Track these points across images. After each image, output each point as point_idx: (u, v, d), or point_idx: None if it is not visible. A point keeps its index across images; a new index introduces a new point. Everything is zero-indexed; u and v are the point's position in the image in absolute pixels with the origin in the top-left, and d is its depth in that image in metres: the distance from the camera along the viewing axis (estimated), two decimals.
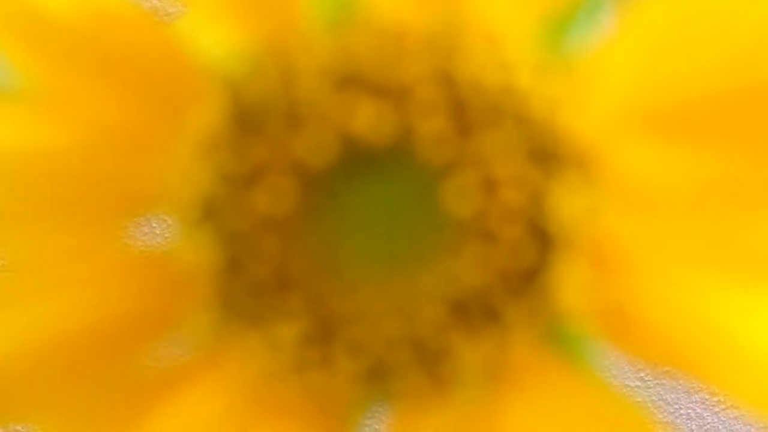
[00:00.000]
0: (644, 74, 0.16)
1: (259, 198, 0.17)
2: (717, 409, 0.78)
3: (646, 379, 0.68)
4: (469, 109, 0.16)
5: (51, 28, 0.16)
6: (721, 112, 0.16)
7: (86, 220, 0.17)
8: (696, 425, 0.81)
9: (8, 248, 0.17)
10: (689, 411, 0.79)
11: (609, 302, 0.16)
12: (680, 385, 0.72)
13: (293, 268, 0.17)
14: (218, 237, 0.17)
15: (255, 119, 0.16)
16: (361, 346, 0.17)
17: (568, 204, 0.16)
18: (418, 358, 0.17)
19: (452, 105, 0.16)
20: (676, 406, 0.77)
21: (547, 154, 0.16)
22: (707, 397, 0.78)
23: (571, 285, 0.16)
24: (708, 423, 0.78)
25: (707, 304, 0.16)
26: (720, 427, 0.79)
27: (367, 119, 0.16)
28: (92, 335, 0.17)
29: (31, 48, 0.16)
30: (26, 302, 0.17)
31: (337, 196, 0.17)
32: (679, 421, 0.79)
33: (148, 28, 0.16)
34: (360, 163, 0.17)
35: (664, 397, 0.74)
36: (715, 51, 0.16)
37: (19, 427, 0.17)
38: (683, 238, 0.16)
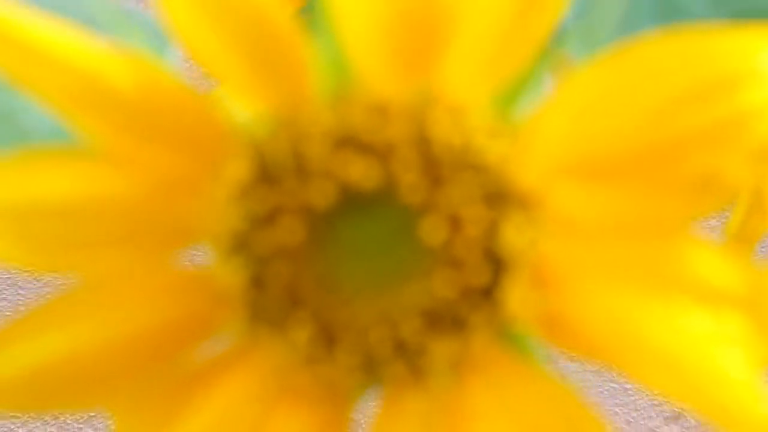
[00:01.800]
0: (570, 135, 0.16)
1: (276, 233, 0.17)
2: None
3: None
4: (439, 164, 0.17)
5: (113, 101, 0.16)
6: (628, 163, 0.16)
7: (142, 250, 0.17)
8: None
9: (82, 271, 0.18)
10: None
11: (546, 310, 0.17)
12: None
13: (303, 286, 0.17)
14: (245, 262, 0.17)
15: (273, 172, 0.17)
16: (356, 346, 0.17)
17: (515, 236, 0.17)
18: (400, 354, 0.17)
19: (425, 160, 0.17)
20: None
21: (498, 197, 0.17)
22: None
23: (518, 297, 0.17)
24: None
25: (622, 311, 0.16)
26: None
27: (359, 172, 0.17)
28: (150, 338, 0.17)
29: (97, 117, 0.16)
30: (97, 312, 0.17)
31: (336, 231, 0.17)
32: None
33: (191, 100, 0.17)
34: (354, 205, 0.17)
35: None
36: (623, 118, 0.16)
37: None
38: (604, 260, 0.17)
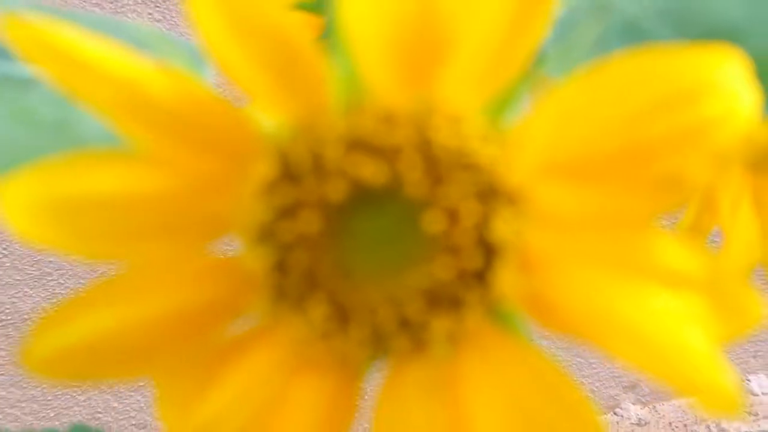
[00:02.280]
0: (552, 141, 0.16)
1: (297, 224, 0.17)
2: None
3: None
4: (438, 164, 0.16)
5: (155, 110, 0.16)
6: (602, 165, 0.16)
7: (180, 240, 0.17)
8: None
9: (128, 259, 0.17)
10: None
11: (531, 291, 0.17)
12: None
13: (320, 271, 0.17)
14: (269, 250, 0.17)
15: (294, 171, 0.17)
16: (366, 322, 0.17)
17: (504, 227, 0.16)
18: (404, 329, 0.17)
19: (427, 162, 0.16)
20: None
21: (490, 193, 0.17)
22: None
23: (506, 280, 0.17)
24: None
25: (597, 292, 0.16)
26: None
27: (369, 171, 0.16)
28: (187, 317, 0.17)
29: (141, 123, 0.16)
30: (142, 294, 0.17)
31: (349, 222, 0.17)
32: None
33: (223, 109, 0.17)
34: (365, 200, 0.17)
35: None
36: (598, 126, 0.16)
37: None
38: (582, 248, 0.17)
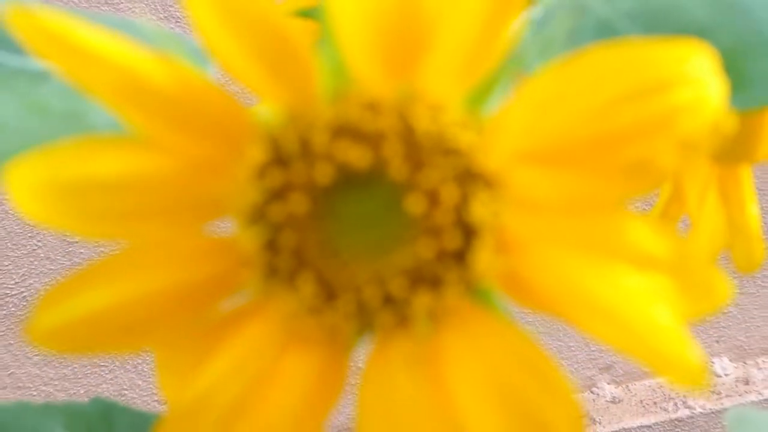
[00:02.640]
0: (527, 128, 0.15)
1: (287, 205, 0.16)
2: None
3: None
4: (420, 150, 0.16)
5: (153, 97, 0.15)
6: (576, 151, 0.15)
7: (178, 220, 0.16)
8: None
9: (128, 238, 0.17)
10: None
11: (508, 270, 0.16)
12: None
13: (308, 250, 0.16)
14: (261, 230, 0.16)
15: (284, 156, 0.16)
16: (352, 299, 0.16)
17: (481, 209, 0.16)
18: (389, 306, 0.16)
19: (409, 147, 0.16)
20: None
21: (468, 177, 0.16)
22: None
23: (484, 259, 0.16)
24: None
25: (571, 271, 0.15)
26: None
27: (355, 155, 0.16)
28: (184, 292, 0.16)
29: (140, 110, 0.15)
30: (141, 271, 0.16)
31: (335, 204, 0.16)
32: None
33: (218, 96, 0.16)
34: (350, 183, 0.16)
35: None
36: (572, 114, 0.15)
37: None
38: (556, 229, 0.16)
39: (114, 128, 0.17)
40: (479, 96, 0.17)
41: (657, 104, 0.15)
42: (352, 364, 0.17)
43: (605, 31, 0.20)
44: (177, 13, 0.69)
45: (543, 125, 0.16)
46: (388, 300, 0.16)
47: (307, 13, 0.27)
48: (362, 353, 0.17)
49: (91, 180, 0.16)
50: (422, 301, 0.16)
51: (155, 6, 0.68)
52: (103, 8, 0.68)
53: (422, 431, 0.16)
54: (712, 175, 0.25)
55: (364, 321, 0.16)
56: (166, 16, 0.69)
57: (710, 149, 0.16)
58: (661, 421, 0.75)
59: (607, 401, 0.75)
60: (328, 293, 0.16)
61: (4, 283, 0.76)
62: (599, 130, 0.15)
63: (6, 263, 0.76)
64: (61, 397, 0.76)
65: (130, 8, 0.68)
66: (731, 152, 0.24)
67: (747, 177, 0.25)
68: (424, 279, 0.16)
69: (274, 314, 0.17)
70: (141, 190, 0.16)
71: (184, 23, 0.69)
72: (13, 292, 0.77)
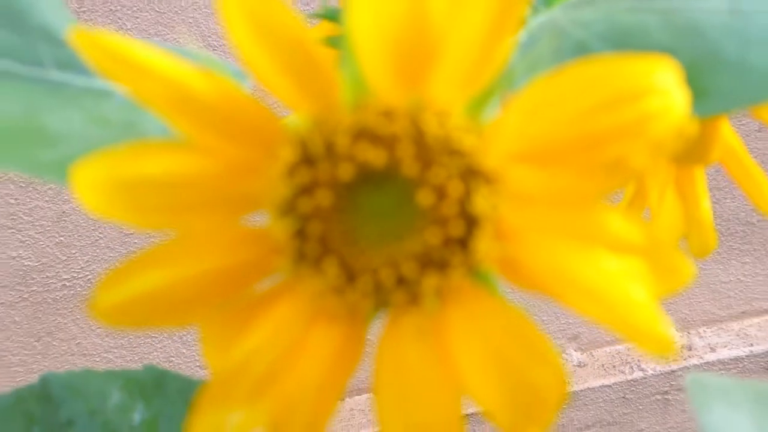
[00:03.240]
0: (520, 132, 0.15)
1: (313, 200, 0.15)
2: None
3: None
4: (429, 151, 0.15)
5: (197, 106, 0.15)
6: (561, 152, 0.15)
7: (220, 213, 0.16)
8: None
9: (176, 229, 0.16)
10: None
11: (504, 255, 0.15)
12: None
13: (332, 238, 0.16)
14: (291, 221, 0.15)
15: (311, 156, 0.15)
16: (370, 280, 0.16)
17: (482, 202, 0.15)
18: (401, 286, 0.16)
19: (419, 148, 0.15)
20: None
21: (470, 174, 0.15)
22: None
23: (484, 246, 0.15)
24: None
25: (558, 255, 0.15)
26: None
27: (373, 155, 0.15)
28: (225, 275, 0.16)
29: (186, 118, 0.15)
30: (188, 257, 0.15)
31: (356, 198, 0.16)
32: None
33: (254, 105, 0.15)
34: (368, 180, 0.15)
35: None
36: (557, 120, 0.15)
37: None
38: (546, 219, 0.15)
39: (164, 135, 0.16)
40: (479, 104, 0.16)
41: (630, 111, 0.14)
42: (369, 336, 0.17)
43: (581, 51, 0.20)
44: (215, 42, 0.68)
45: (533, 130, 0.15)
46: (401, 281, 0.16)
47: (332, 40, 0.26)
48: (378, 326, 0.16)
49: (143, 178, 0.15)
50: (430, 281, 0.15)
51: (197, 36, 0.68)
52: (153, 39, 0.67)
53: (429, 393, 0.16)
54: (671, 174, 0.25)
55: (380, 299, 0.16)
56: (205, 45, 0.68)
57: (675, 150, 0.15)
58: (619, 382, 0.75)
59: (574, 365, 0.74)
60: (349, 275, 0.16)
61: (72, 268, 0.76)
62: (581, 134, 0.15)
63: (73, 251, 0.75)
64: (119, 363, 0.76)
65: (175, 39, 0.67)
66: (688, 155, 0.23)
67: (701, 176, 0.25)
68: (432, 262, 0.15)
69: (303, 293, 0.16)
70: (187, 186, 0.15)
71: (222, 51, 0.68)
72: (79, 276, 0.76)
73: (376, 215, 0.16)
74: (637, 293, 0.15)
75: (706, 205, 0.25)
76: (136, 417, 0.28)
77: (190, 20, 0.68)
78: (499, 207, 0.15)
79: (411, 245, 0.16)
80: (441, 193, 0.15)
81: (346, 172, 0.15)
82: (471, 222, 0.15)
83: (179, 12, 0.68)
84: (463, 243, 0.15)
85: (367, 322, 0.16)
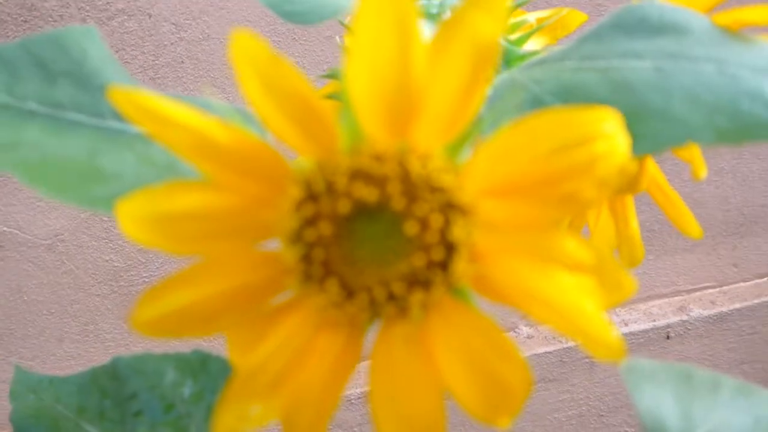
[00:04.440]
0: (489, 172, 0.13)
1: (317, 230, 0.13)
2: None
3: None
4: (414, 188, 0.13)
5: (217, 151, 0.13)
6: (523, 187, 0.13)
7: (239, 241, 0.13)
8: None
9: (202, 254, 0.14)
10: None
11: (478, 274, 0.13)
12: None
13: (333, 262, 0.13)
14: (299, 247, 0.13)
15: (315, 194, 0.13)
16: (365, 296, 0.13)
17: (459, 230, 0.13)
18: (392, 301, 0.13)
19: (406, 186, 0.13)
20: None
21: (449, 207, 0.13)
22: None
23: (461, 267, 0.13)
24: None
25: (523, 274, 0.13)
26: None
27: (366, 193, 0.13)
28: (244, 292, 0.13)
29: (207, 160, 0.13)
30: (213, 277, 0.13)
31: (353, 228, 0.13)
32: None
33: (266, 150, 0.13)
34: (363, 213, 0.13)
35: None
36: (519, 162, 0.13)
37: None
38: (512, 244, 0.13)
39: (199, 175, 0.14)
40: (455, 148, 0.14)
41: (582, 153, 0.12)
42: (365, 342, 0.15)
43: (537, 104, 0.17)
44: (234, 91, 0.66)
45: (501, 170, 0.13)
46: (391, 297, 0.13)
47: (336, 95, 0.24)
48: (373, 334, 0.14)
49: (175, 212, 0.13)
50: (416, 297, 0.13)
51: (220, 87, 0.66)
52: (169, 84, 0.63)
53: (415, 390, 0.14)
54: (605, 199, 0.23)
55: (374, 311, 0.14)
56: (227, 97, 0.65)
57: (618, 185, 0.13)
58: (558, 349, 0.72)
59: (524, 337, 0.72)
60: (348, 292, 0.14)
61: (150, 268, 0.74)
62: (540, 173, 0.13)
63: (151, 255, 0.73)
64: (169, 345, 0.73)
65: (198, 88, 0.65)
66: (622, 186, 0.21)
67: (630, 202, 0.23)
68: (418, 281, 0.13)
69: (310, 307, 0.14)
70: (212, 218, 0.13)
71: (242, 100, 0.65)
72: (155, 274, 0.74)
73: (370, 242, 0.14)
74: (588, 305, 0.13)
75: (634, 224, 0.23)
76: (186, 391, 0.26)
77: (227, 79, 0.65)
78: (473, 234, 0.13)
79: (399, 267, 0.13)
80: (424, 224, 0.13)
81: (344, 206, 0.13)
82: (450, 248, 0.13)
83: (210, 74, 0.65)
84: (444, 265, 0.13)
85: (363, 330, 0.14)
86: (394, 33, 0.12)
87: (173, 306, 0.13)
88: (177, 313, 0.13)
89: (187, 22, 0.64)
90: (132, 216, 0.13)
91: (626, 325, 0.75)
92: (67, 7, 0.60)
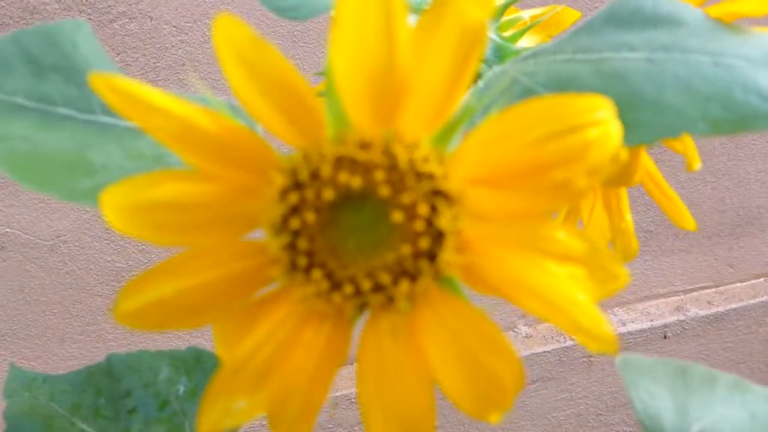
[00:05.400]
0: (477, 160, 0.12)
1: (301, 218, 0.13)
2: None
3: None
4: (401, 176, 0.12)
5: (202, 140, 0.12)
6: (513, 176, 0.12)
7: (224, 231, 0.13)
8: None
9: (187, 244, 0.13)
10: None
11: (465, 263, 0.13)
12: None
13: (318, 251, 0.13)
14: (285, 236, 0.13)
15: (300, 182, 0.13)
16: (352, 287, 0.13)
17: (445, 219, 0.12)
18: (379, 291, 0.13)
19: (392, 174, 0.12)
20: None
21: (435, 196, 0.13)
22: None
23: (448, 256, 0.13)
24: None
25: (513, 264, 0.12)
26: None
27: (351, 181, 0.12)
28: (230, 282, 0.13)
29: (192, 150, 0.12)
30: (197, 268, 0.13)
31: (338, 216, 0.13)
32: None
33: (251, 138, 0.13)
34: (348, 200, 0.13)
35: None
36: (509, 149, 0.12)
37: None
38: (501, 233, 0.13)
39: (187, 166, 0.14)
40: (442, 138, 0.13)
41: (574, 139, 0.12)
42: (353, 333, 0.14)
43: (529, 95, 0.17)
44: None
45: (490, 157, 0.13)
46: (378, 287, 0.13)
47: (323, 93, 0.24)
48: (360, 325, 0.14)
49: (158, 202, 0.13)
50: (403, 287, 0.13)
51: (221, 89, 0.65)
52: (170, 86, 0.63)
53: (404, 381, 0.13)
54: (598, 193, 0.22)
55: (360, 302, 0.13)
56: (228, 99, 0.65)
57: (610, 174, 0.13)
58: (556, 348, 0.72)
59: (523, 336, 0.71)
60: (334, 283, 0.13)
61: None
62: (531, 160, 0.12)
63: (152, 256, 0.73)
64: (168, 343, 0.72)
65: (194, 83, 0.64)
66: (616, 178, 0.21)
67: (624, 195, 0.22)
68: (404, 271, 0.13)
69: (295, 299, 0.13)
70: (195, 208, 0.13)
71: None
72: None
73: (355, 232, 0.13)
74: (580, 296, 0.12)
75: (629, 218, 0.22)
76: (181, 388, 0.26)
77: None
78: (461, 223, 0.13)
79: (386, 257, 0.13)
80: (411, 213, 0.13)
81: (329, 194, 0.13)
82: (437, 237, 0.13)
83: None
84: (431, 255, 0.13)
85: (351, 323, 0.14)
86: (379, 17, 0.12)
87: (156, 297, 0.13)
88: (160, 304, 0.13)
89: (188, 24, 0.64)
90: (115, 205, 0.13)
91: (624, 324, 0.75)
92: (69, 10, 0.60)
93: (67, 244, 0.68)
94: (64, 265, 0.68)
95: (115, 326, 0.73)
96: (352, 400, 0.69)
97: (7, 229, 0.67)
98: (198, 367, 0.26)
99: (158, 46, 0.63)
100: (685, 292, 0.82)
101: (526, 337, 0.71)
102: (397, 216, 0.12)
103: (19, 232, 0.67)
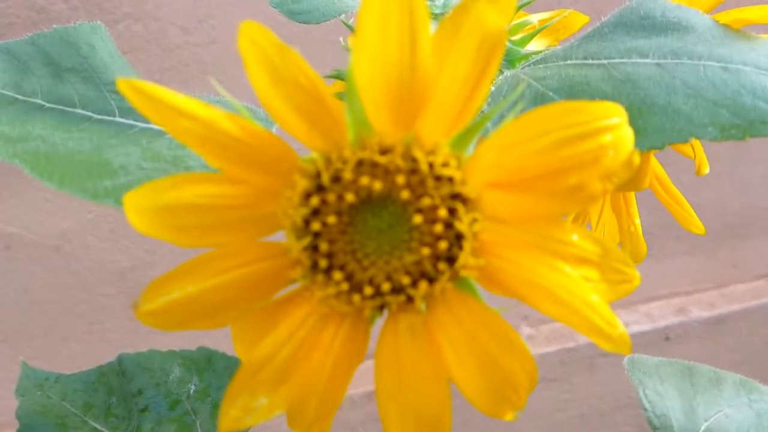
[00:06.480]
0: (494, 165, 0.13)
1: (322, 220, 0.13)
2: None
3: None
4: (421, 180, 0.13)
5: (227, 143, 0.13)
6: (529, 180, 0.13)
7: (246, 232, 0.13)
8: None
9: (211, 245, 0.14)
10: None
11: (482, 266, 0.13)
12: None
13: (338, 253, 0.13)
14: (306, 238, 0.13)
15: (323, 185, 0.13)
16: (372, 288, 0.13)
17: (464, 222, 0.13)
18: (398, 291, 0.13)
19: (412, 178, 0.13)
20: None
21: (454, 199, 0.13)
22: None
23: (465, 258, 0.13)
24: None
25: (528, 266, 0.13)
26: None
27: (372, 185, 0.13)
28: (254, 282, 0.13)
29: (218, 153, 0.13)
30: (221, 269, 0.13)
31: (359, 218, 0.13)
32: None
33: (275, 142, 0.13)
34: (370, 202, 0.13)
35: None
36: (525, 154, 0.12)
37: None
38: (517, 236, 0.13)
39: (205, 168, 0.14)
40: (460, 142, 0.14)
41: (588, 144, 0.12)
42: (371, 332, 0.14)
43: (541, 100, 0.17)
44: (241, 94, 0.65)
45: (507, 162, 0.13)
46: (397, 288, 0.13)
47: (341, 94, 0.24)
48: (378, 324, 0.14)
49: (181, 204, 0.13)
50: (421, 288, 0.13)
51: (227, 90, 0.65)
52: (175, 87, 0.63)
53: (420, 379, 0.13)
54: (607, 196, 0.23)
55: (380, 303, 0.14)
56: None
57: (624, 178, 0.13)
58: (559, 349, 0.72)
59: (525, 338, 0.72)
60: (354, 284, 0.13)
61: (156, 269, 0.73)
62: (546, 165, 0.13)
63: (157, 257, 0.73)
64: (172, 344, 0.72)
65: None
66: (626, 182, 0.21)
67: (633, 199, 0.22)
68: (423, 273, 0.13)
69: (315, 299, 0.14)
70: (218, 210, 0.13)
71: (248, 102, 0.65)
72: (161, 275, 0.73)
73: (375, 235, 0.14)
74: (593, 297, 0.12)
75: (638, 221, 0.22)
76: (192, 388, 0.26)
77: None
78: (478, 226, 0.13)
79: (405, 259, 0.13)
80: (429, 216, 0.13)
81: (351, 197, 0.13)
82: (455, 239, 0.13)
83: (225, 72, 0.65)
84: (449, 257, 0.13)
85: (369, 323, 0.14)
86: (401, 23, 0.12)
87: (179, 297, 0.13)
88: (182, 304, 0.13)
89: (193, 25, 0.64)
90: (139, 207, 0.13)
91: (626, 326, 0.75)
92: (76, 10, 0.60)
93: (71, 244, 0.68)
94: (68, 265, 0.69)
95: (119, 326, 0.74)
96: (356, 400, 0.70)
97: (12, 229, 0.67)
98: (209, 367, 0.27)
99: (163, 47, 0.64)
100: (688, 293, 0.82)
101: (529, 338, 0.72)
102: (417, 219, 0.13)
103: (24, 232, 0.67)
